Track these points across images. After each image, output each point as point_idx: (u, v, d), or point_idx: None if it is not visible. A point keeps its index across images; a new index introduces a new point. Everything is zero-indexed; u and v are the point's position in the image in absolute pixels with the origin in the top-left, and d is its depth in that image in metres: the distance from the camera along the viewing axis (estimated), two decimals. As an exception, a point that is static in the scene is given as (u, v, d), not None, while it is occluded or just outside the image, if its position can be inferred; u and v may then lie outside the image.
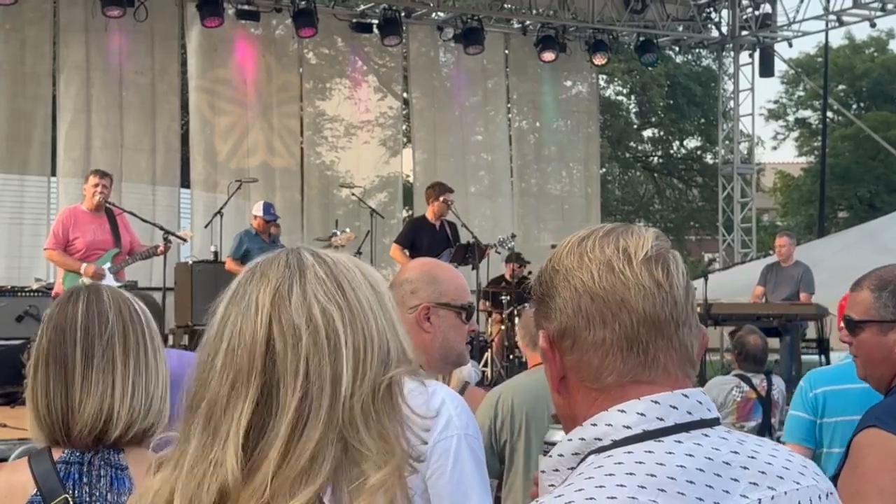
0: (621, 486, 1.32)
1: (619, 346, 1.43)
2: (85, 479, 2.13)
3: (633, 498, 1.30)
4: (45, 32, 13.92)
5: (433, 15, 16.30)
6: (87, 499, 2.11)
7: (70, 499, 2.10)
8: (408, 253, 10.96)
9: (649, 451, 1.36)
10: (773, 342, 12.41)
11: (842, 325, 4.35)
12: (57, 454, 2.14)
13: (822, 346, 12.04)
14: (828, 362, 11.89)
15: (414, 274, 2.87)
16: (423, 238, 10.99)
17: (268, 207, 11.26)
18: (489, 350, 11.59)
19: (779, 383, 7.06)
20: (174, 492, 1.36)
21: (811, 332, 12.32)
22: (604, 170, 24.73)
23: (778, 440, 6.33)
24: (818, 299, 11.66)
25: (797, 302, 11.72)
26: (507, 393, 4.27)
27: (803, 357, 12.22)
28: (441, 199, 11.02)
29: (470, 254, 11.45)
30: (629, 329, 1.42)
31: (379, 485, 1.35)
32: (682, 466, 1.34)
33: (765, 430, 6.59)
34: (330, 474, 1.35)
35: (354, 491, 1.35)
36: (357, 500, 1.35)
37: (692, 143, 29.62)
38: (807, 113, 31.05)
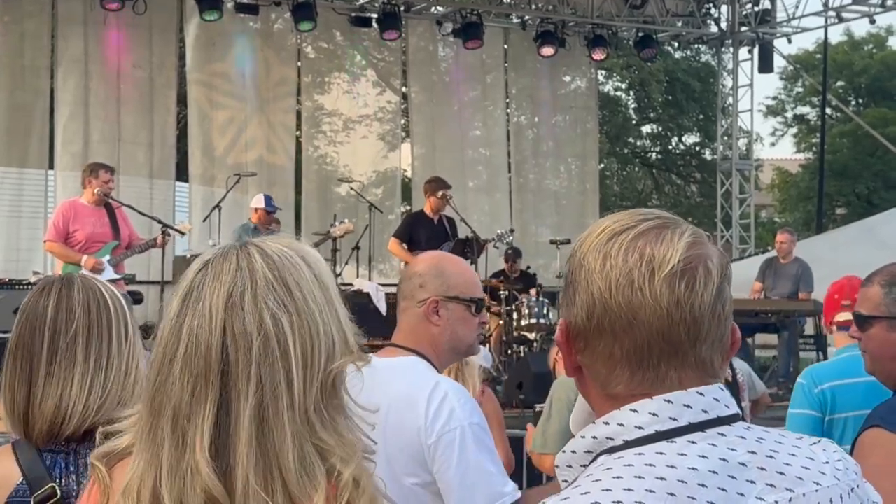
0: (628, 489, 1.29)
1: (627, 361, 1.39)
2: (72, 468, 2.13)
3: (639, 503, 1.27)
4: (44, 25, 13.90)
5: (432, 9, 16.29)
6: (75, 488, 2.11)
7: (57, 488, 2.09)
8: (406, 247, 10.97)
9: (660, 453, 1.33)
10: (771, 338, 12.46)
11: (835, 319, 4.34)
12: (43, 445, 2.14)
13: (820, 343, 12.05)
14: (825, 358, 11.89)
15: (423, 267, 2.90)
16: (421, 232, 11.00)
17: (268, 199, 11.27)
18: (487, 344, 11.59)
19: (740, 366, 7.11)
20: (160, 493, 1.39)
21: (809, 328, 12.34)
22: (602, 165, 24.72)
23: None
24: (816, 296, 11.66)
25: (794, 298, 11.73)
26: None
27: (801, 353, 12.24)
28: (439, 194, 11.02)
29: (468, 248, 11.44)
30: (639, 346, 1.38)
31: (356, 478, 1.38)
32: (693, 469, 1.31)
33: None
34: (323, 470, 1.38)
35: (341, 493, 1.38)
36: (358, 501, 1.39)
37: (691, 138, 29.61)
38: (805, 109, 31.05)
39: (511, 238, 12.01)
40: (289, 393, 1.38)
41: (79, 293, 2.19)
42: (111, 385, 2.15)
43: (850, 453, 2.62)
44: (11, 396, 2.16)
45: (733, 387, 6.79)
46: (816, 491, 1.37)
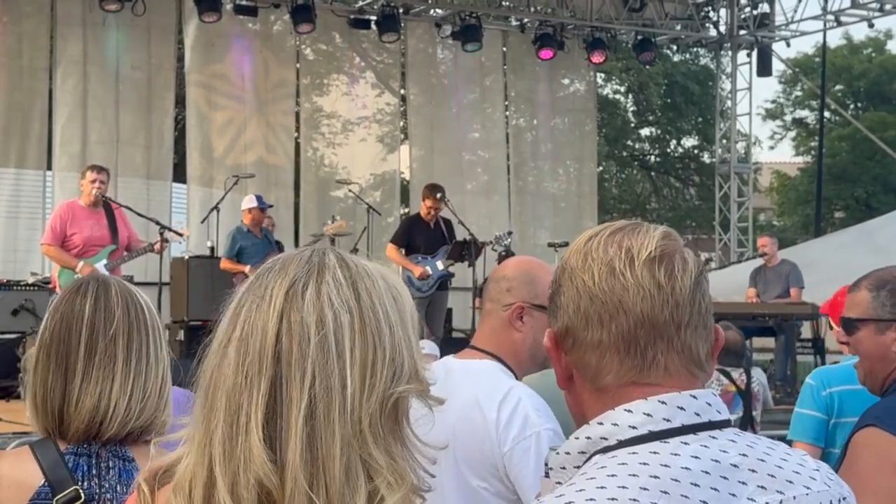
0: (623, 487, 1.31)
1: (616, 348, 1.41)
2: (94, 471, 2.11)
3: (634, 500, 1.29)
4: (43, 26, 13.90)
5: (431, 12, 16.29)
6: (97, 490, 2.10)
7: (80, 490, 2.07)
8: (404, 252, 10.97)
9: (654, 452, 1.35)
10: (769, 342, 12.47)
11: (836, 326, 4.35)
12: (63, 445, 2.12)
13: (818, 346, 12.05)
14: (823, 362, 11.88)
15: (512, 272, 2.83)
16: (418, 236, 11.00)
17: (259, 198, 11.27)
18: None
19: (758, 376, 7.13)
20: (213, 478, 1.34)
21: (806, 331, 12.34)
22: (601, 168, 24.73)
23: (756, 433, 6.36)
24: (814, 299, 11.66)
25: (792, 301, 11.75)
26: None
27: (798, 357, 12.24)
28: (437, 195, 11.03)
29: (466, 251, 11.45)
30: (626, 331, 1.41)
31: None
32: (686, 468, 1.33)
33: (746, 423, 6.64)
34: (367, 489, 1.33)
35: None
36: None
37: (689, 141, 29.63)
38: (804, 113, 31.05)
39: (509, 240, 12.01)
40: (342, 396, 1.32)
41: (117, 295, 2.18)
42: (150, 389, 2.14)
43: (841, 455, 2.63)
44: (44, 394, 2.13)
45: (747, 394, 6.80)
46: (807, 494, 1.39)
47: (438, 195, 11.01)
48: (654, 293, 1.41)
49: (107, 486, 2.11)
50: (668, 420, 1.38)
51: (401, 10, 15.50)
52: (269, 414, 1.33)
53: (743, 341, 6.96)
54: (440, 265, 10.82)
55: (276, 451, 1.32)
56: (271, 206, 11.57)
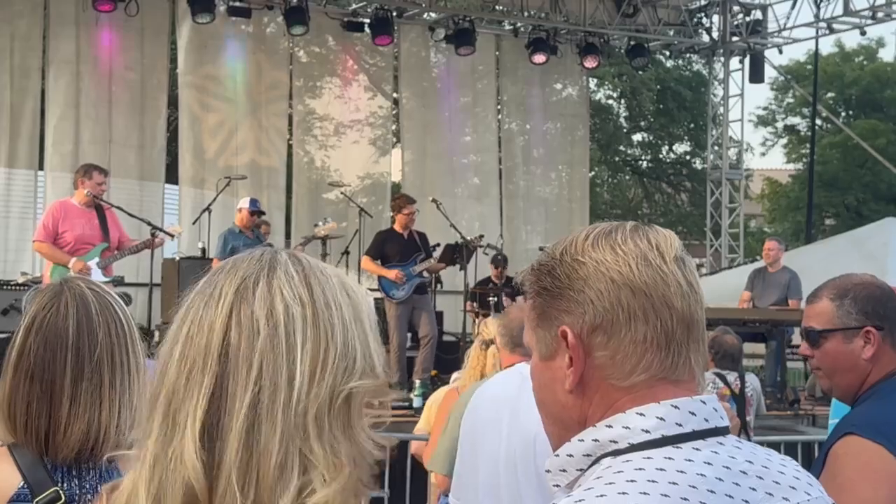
0: (644, 493, 1.28)
1: (658, 344, 1.39)
2: (74, 472, 2.10)
3: None
4: (36, 26, 13.86)
5: (425, 15, 16.30)
6: (77, 492, 2.08)
7: (61, 492, 2.06)
8: (380, 262, 10.95)
9: (669, 458, 1.33)
10: (759, 347, 12.49)
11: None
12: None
13: (808, 353, 12.05)
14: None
15: None
16: (392, 247, 10.98)
17: (253, 201, 11.26)
18: None
19: (752, 381, 7.14)
20: (137, 486, 1.32)
21: (797, 338, 12.35)
22: (593, 173, 24.75)
23: (749, 438, 6.38)
24: (803, 305, 11.68)
25: (783, 308, 11.75)
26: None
27: (788, 363, 12.25)
28: (404, 212, 11.03)
29: (458, 254, 11.45)
30: (669, 327, 1.39)
31: (323, 501, 1.28)
32: (702, 475, 1.32)
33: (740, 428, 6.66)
34: (298, 483, 1.29)
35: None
36: None
37: (681, 147, 29.68)
38: (796, 120, 31.13)
39: (501, 242, 11.98)
40: (288, 388, 1.29)
41: (97, 314, 2.16)
42: (137, 403, 2.12)
43: (821, 464, 2.61)
44: (26, 420, 2.10)
45: (741, 399, 6.81)
46: (808, 501, 1.40)
47: (406, 210, 11.04)
48: (688, 291, 1.41)
49: (87, 486, 2.10)
50: (680, 425, 1.37)
51: (394, 14, 15.50)
52: (213, 412, 1.30)
53: (740, 346, 6.97)
54: (414, 269, 10.83)
55: (214, 450, 1.29)
56: (263, 214, 11.53)
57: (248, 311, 1.32)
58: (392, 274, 10.72)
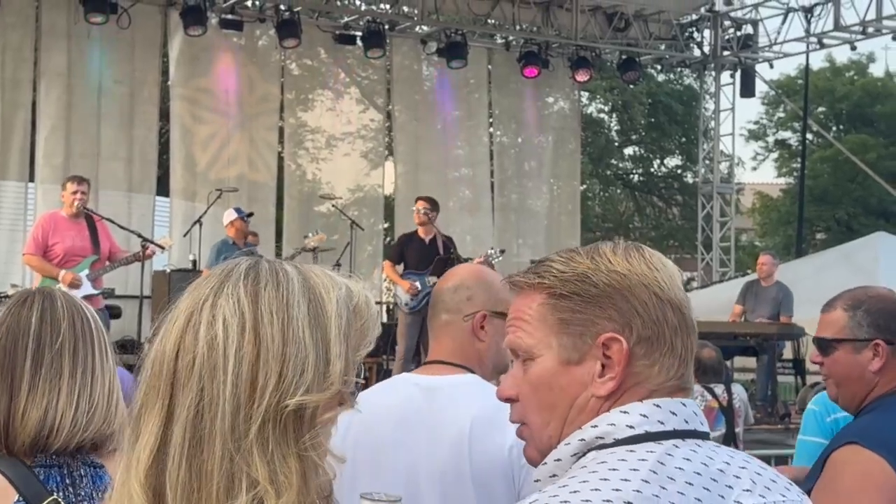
0: (626, 480, 1.34)
1: (683, 357, 1.50)
2: (68, 481, 2.09)
3: (637, 491, 1.32)
4: (27, 38, 13.84)
5: (417, 28, 16.32)
6: (74, 499, 2.08)
7: (59, 500, 2.05)
8: (398, 268, 10.96)
9: (650, 451, 1.39)
10: (750, 361, 12.49)
11: None
12: (29, 459, 2.10)
13: (799, 367, 12.08)
14: (804, 382, 11.93)
15: (470, 280, 2.68)
16: (411, 252, 10.97)
17: (238, 209, 11.27)
18: None
19: (738, 392, 7.14)
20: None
21: (788, 352, 12.37)
22: (584, 186, 24.78)
23: (739, 450, 6.38)
24: (794, 319, 11.70)
25: (774, 322, 11.75)
26: None
27: (779, 377, 12.26)
28: (414, 207, 11.08)
29: (449, 267, 11.42)
30: (691, 342, 1.51)
31: None
32: (680, 469, 1.37)
33: (729, 439, 6.66)
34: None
35: None
36: None
37: (673, 161, 29.74)
38: (786, 134, 31.21)
39: (499, 258, 11.92)
40: (227, 408, 1.27)
41: (62, 307, 2.17)
42: (97, 400, 2.12)
43: (819, 471, 2.61)
44: None
45: (728, 411, 6.80)
46: (784, 501, 1.43)
47: (414, 206, 11.04)
48: (691, 308, 1.52)
49: (83, 493, 2.09)
50: (661, 423, 1.43)
51: (386, 27, 15.52)
52: (162, 439, 1.29)
53: (719, 358, 6.95)
54: (430, 281, 10.78)
55: (160, 476, 1.28)
56: (251, 215, 11.50)
57: (194, 331, 1.32)
58: (406, 285, 10.71)
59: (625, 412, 1.43)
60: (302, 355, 1.31)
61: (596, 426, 1.43)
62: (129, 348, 9.79)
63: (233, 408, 1.28)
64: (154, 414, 1.30)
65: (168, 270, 11.97)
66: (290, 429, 1.30)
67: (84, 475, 2.11)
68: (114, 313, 10.55)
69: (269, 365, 1.30)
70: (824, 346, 2.87)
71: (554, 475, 1.44)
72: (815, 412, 3.79)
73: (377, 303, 11.50)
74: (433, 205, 11.14)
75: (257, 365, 1.29)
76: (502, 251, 12.25)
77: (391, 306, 13.26)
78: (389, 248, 11.30)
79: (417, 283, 10.72)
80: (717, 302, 13.56)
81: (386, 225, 18.46)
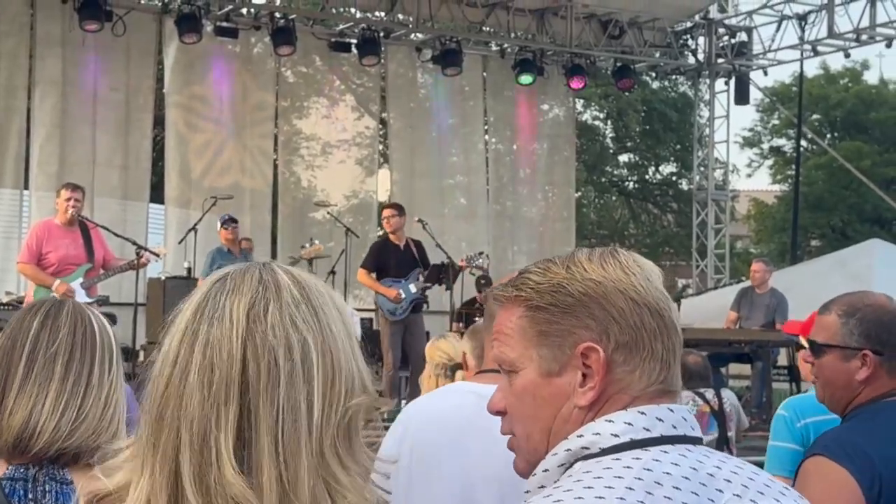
0: (609, 487, 1.33)
1: (665, 360, 1.46)
2: (31, 496, 2.08)
3: (621, 499, 1.31)
4: (22, 45, 13.85)
5: (412, 36, 16.34)
6: None
7: None
8: (374, 276, 10.87)
9: (637, 458, 1.38)
10: (745, 368, 12.50)
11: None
12: (12, 461, 2.10)
13: (793, 374, 12.08)
14: (798, 389, 11.92)
15: None
16: (388, 259, 10.90)
17: (222, 217, 11.28)
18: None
19: (729, 396, 7.16)
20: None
21: (782, 359, 12.37)
22: (579, 193, 24.80)
23: (732, 454, 6.38)
24: (789, 328, 11.69)
25: (769, 329, 11.76)
26: None
27: (774, 384, 12.26)
28: (382, 218, 11.09)
29: (444, 274, 11.43)
30: (674, 343, 1.48)
31: None
32: (668, 473, 1.36)
33: (722, 442, 6.66)
34: None
35: None
36: None
37: (667, 168, 29.75)
38: (781, 141, 31.25)
39: (484, 262, 11.90)
40: (308, 419, 1.29)
41: (67, 315, 2.18)
42: (88, 411, 2.11)
43: (793, 483, 2.63)
44: None
45: (720, 415, 6.82)
46: None
47: (395, 209, 11.02)
48: (672, 308, 1.49)
49: None
50: (647, 430, 1.41)
51: (381, 34, 15.53)
52: (239, 442, 1.29)
53: (705, 363, 6.96)
54: (413, 288, 10.73)
55: (250, 476, 1.29)
56: (233, 220, 11.47)
57: (264, 339, 1.32)
58: (392, 293, 10.64)
59: (610, 421, 1.42)
60: (351, 363, 1.37)
61: (581, 436, 1.42)
62: (123, 356, 9.76)
63: (314, 415, 1.31)
64: (227, 414, 1.30)
65: (163, 278, 11.96)
66: (349, 435, 1.34)
67: (48, 490, 2.09)
68: (109, 321, 10.53)
69: (337, 375, 1.34)
70: (815, 348, 2.88)
71: (542, 486, 1.43)
72: (785, 417, 3.81)
73: (372, 310, 11.46)
74: (400, 210, 11.12)
75: (329, 372, 1.33)
76: (481, 253, 12.17)
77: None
78: (366, 257, 11.21)
79: (401, 291, 10.67)
80: (711, 309, 13.57)
81: (381, 232, 18.43)
